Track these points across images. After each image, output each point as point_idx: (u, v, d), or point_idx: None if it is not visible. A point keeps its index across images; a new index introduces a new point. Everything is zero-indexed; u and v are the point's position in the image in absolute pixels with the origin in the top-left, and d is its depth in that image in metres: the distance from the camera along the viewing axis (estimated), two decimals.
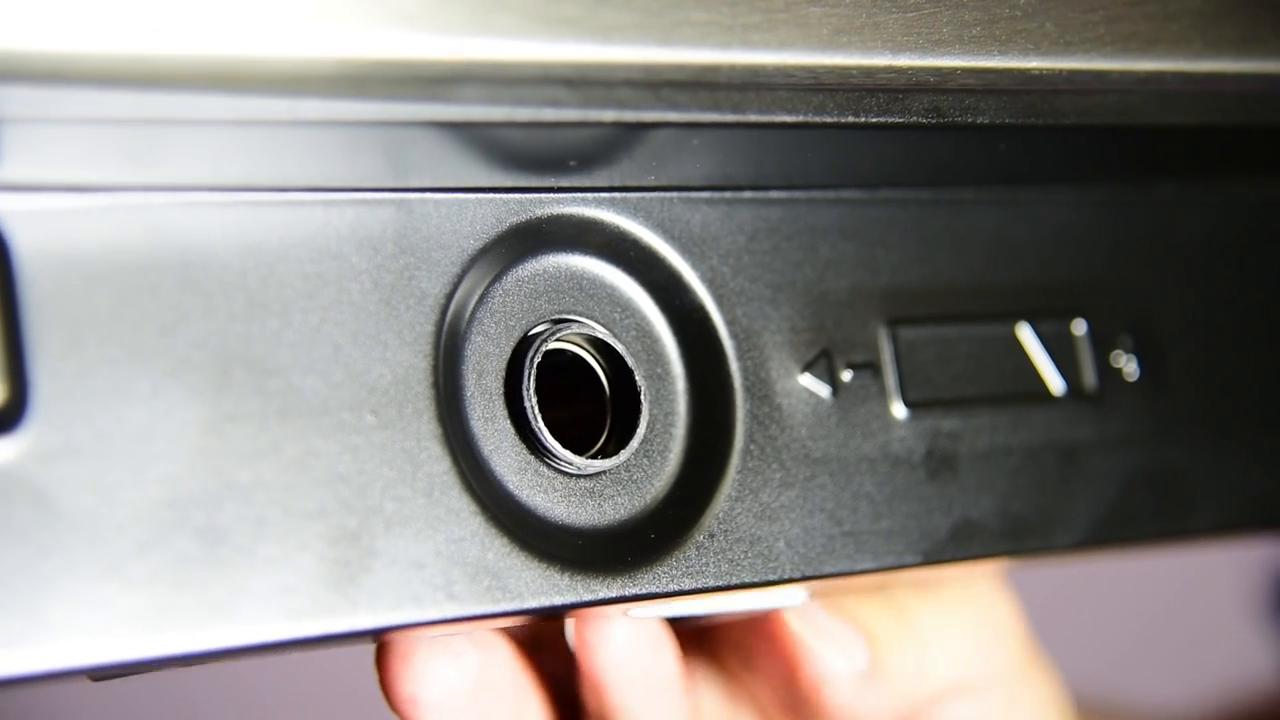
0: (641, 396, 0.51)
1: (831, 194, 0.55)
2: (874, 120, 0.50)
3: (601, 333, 0.51)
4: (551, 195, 0.51)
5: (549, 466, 0.50)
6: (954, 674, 0.60)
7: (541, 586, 0.48)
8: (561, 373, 0.51)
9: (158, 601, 0.43)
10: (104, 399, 0.44)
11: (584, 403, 0.52)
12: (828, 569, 0.53)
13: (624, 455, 0.50)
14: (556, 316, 0.51)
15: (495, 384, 0.50)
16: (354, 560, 0.46)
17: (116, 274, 0.44)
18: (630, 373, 0.51)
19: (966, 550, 0.55)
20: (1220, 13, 0.52)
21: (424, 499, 0.47)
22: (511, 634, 0.54)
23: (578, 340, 0.51)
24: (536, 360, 0.50)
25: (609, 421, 0.52)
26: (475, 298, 0.50)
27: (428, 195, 0.49)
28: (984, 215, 0.58)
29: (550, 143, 0.48)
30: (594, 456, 0.50)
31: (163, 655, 0.43)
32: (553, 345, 0.50)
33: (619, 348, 0.51)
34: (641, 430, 0.51)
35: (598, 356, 0.52)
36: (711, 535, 0.51)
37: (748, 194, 0.54)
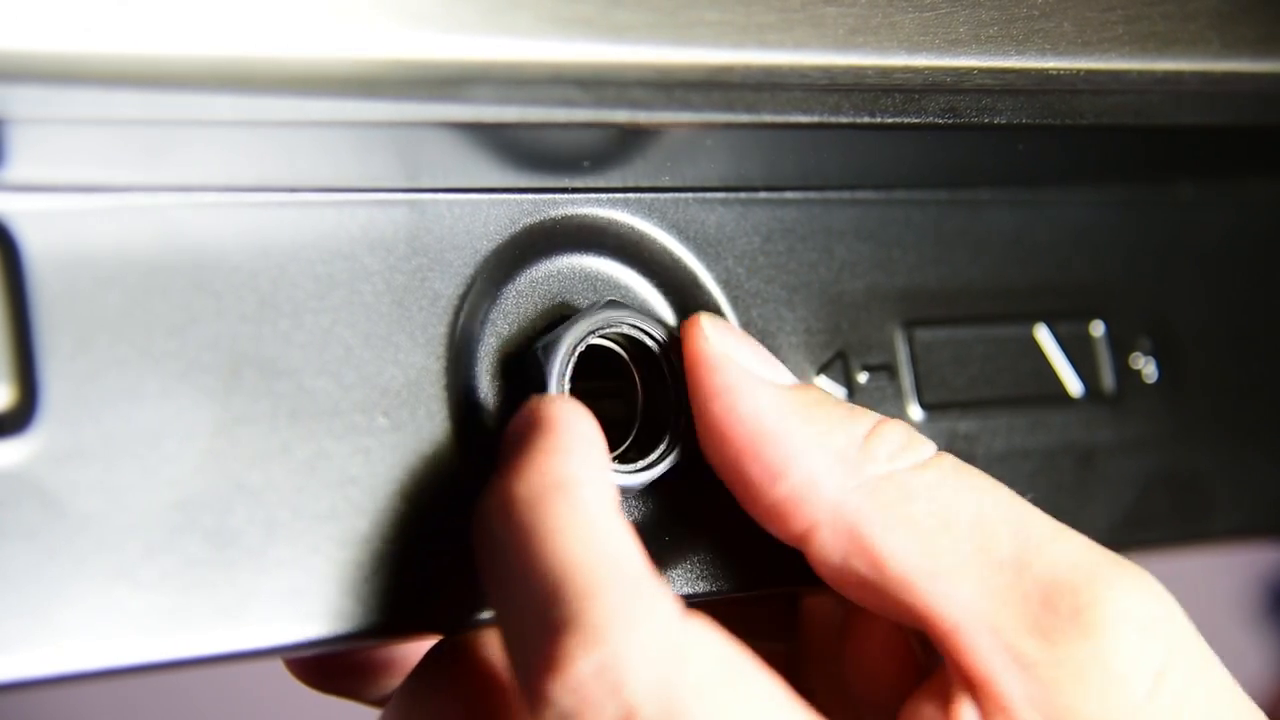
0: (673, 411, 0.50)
1: (847, 195, 0.55)
2: (890, 121, 0.50)
3: (649, 336, 0.50)
4: (565, 196, 0.51)
5: None
6: None
7: None
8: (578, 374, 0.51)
9: (167, 604, 0.43)
10: (113, 400, 0.43)
11: (609, 405, 0.51)
12: None
13: (648, 475, 0.50)
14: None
15: (509, 385, 0.50)
16: (366, 563, 0.46)
17: (126, 275, 0.44)
18: (664, 381, 0.50)
19: None
20: (1238, 12, 0.52)
21: (437, 502, 0.47)
22: None
23: (619, 339, 0.51)
24: (579, 350, 0.49)
25: (636, 428, 0.51)
26: (488, 299, 0.50)
27: (440, 196, 0.49)
28: (1001, 216, 0.58)
29: (563, 143, 0.48)
30: (614, 461, 0.50)
31: (171, 659, 0.43)
32: (594, 341, 0.50)
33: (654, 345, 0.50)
34: (671, 458, 0.50)
35: (636, 359, 0.51)
36: (722, 540, 0.51)
37: (763, 195, 0.54)
